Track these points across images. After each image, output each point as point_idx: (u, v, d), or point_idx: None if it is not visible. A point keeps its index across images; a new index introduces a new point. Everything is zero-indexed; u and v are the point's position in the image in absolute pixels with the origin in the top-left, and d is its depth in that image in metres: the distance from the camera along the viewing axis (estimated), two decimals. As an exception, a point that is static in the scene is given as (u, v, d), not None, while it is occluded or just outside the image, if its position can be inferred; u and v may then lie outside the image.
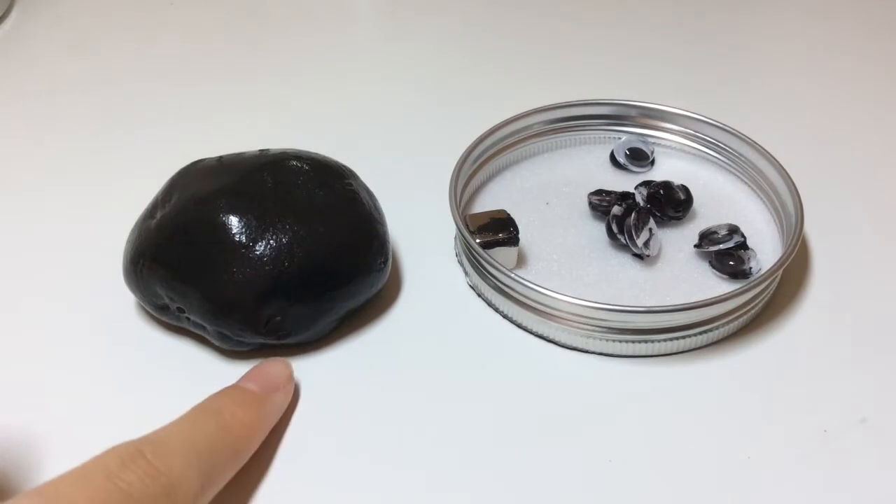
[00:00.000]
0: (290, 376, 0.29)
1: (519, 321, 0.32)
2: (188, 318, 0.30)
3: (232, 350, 0.31)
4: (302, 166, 0.32)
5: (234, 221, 0.30)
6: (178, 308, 0.30)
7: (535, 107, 0.38)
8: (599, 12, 0.52)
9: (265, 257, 0.29)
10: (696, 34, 0.50)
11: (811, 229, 0.35)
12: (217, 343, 0.30)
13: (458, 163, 0.35)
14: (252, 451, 0.27)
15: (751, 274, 0.33)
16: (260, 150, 0.34)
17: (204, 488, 0.24)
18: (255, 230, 0.30)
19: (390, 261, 0.32)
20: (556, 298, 0.30)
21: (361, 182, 0.33)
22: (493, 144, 0.37)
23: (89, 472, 0.22)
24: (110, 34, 0.50)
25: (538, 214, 0.36)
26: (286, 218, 0.30)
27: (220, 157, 0.33)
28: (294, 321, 0.30)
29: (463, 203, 0.35)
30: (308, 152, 0.33)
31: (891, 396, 0.29)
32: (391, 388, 0.30)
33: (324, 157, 0.34)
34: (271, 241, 0.30)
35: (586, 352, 0.31)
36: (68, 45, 0.49)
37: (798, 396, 0.29)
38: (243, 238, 0.30)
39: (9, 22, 0.51)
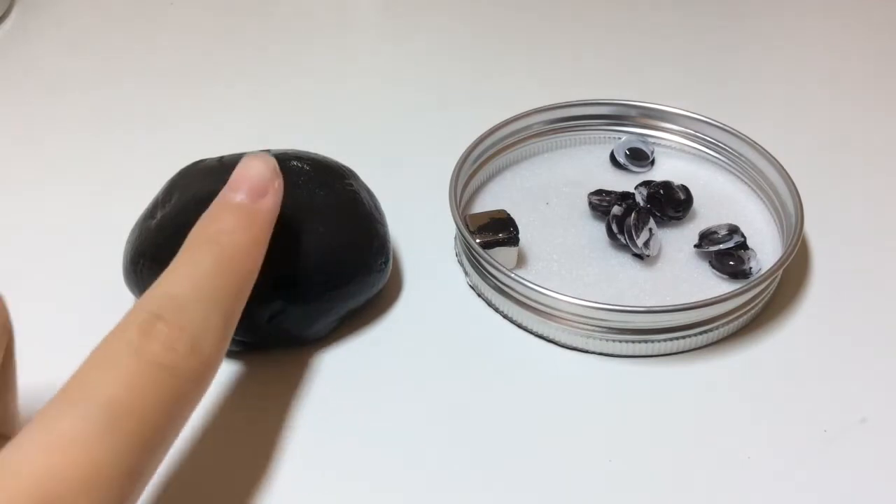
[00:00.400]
0: (275, 171, 0.27)
1: (519, 321, 0.32)
2: None
3: (230, 350, 0.31)
4: (302, 166, 0.32)
5: None
6: None
7: (535, 107, 0.38)
8: (600, 13, 0.52)
9: (265, 257, 0.29)
10: (696, 34, 0.50)
11: (811, 229, 0.35)
12: None
13: (458, 163, 0.34)
14: (258, 270, 0.26)
15: (751, 274, 0.33)
16: (261, 151, 0.34)
17: (226, 326, 0.23)
18: None
19: (391, 261, 0.32)
20: (556, 298, 0.30)
21: (362, 182, 0.33)
22: (493, 144, 0.37)
23: (113, 353, 0.21)
24: (110, 34, 0.50)
25: (538, 214, 0.36)
26: (286, 218, 0.30)
27: (221, 158, 0.33)
28: (294, 321, 0.30)
29: (463, 203, 0.35)
30: (308, 153, 0.33)
31: (891, 396, 0.29)
32: (391, 388, 0.30)
33: (324, 157, 0.34)
34: (271, 241, 0.30)
35: (586, 352, 0.31)
36: (68, 45, 0.49)
37: (798, 396, 0.29)
38: None
39: (9, 22, 0.51)
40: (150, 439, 0.20)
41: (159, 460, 0.21)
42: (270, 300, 0.29)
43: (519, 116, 0.38)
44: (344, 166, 0.33)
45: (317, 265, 0.30)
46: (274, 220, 0.27)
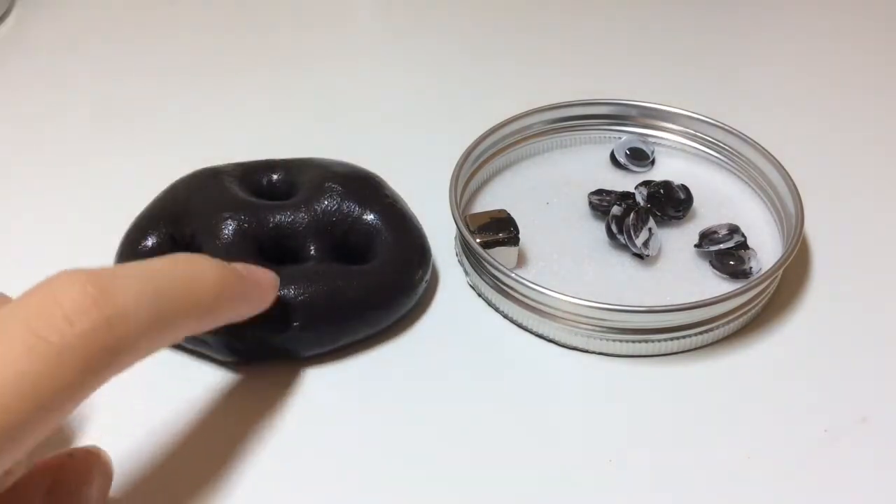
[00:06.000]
0: (276, 285, 0.28)
1: (519, 321, 0.32)
2: None
3: (237, 361, 0.30)
4: (335, 187, 0.32)
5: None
6: None
7: (535, 107, 0.38)
8: (600, 12, 0.52)
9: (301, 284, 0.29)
10: (696, 34, 0.50)
11: (811, 229, 0.35)
12: (221, 357, 0.30)
13: (458, 163, 0.34)
14: (220, 317, 0.24)
15: (751, 274, 0.33)
16: (280, 160, 0.34)
17: (152, 329, 0.21)
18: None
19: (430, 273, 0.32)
20: (556, 298, 0.30)
21: (391, 188, 0.33)
22: (494, 144, 0.37)
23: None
24: (110, 34, 0.50)
25: (538, 214, 0.36)
26: (323, 241, 0.30)
27: (240, 164, 0.33)
28: (323, 338, 0.30)
29: (463, 203, 0.35)
30: (330, 161, 0.33)
31: (891, 396, 0.29)
32: (391, 389, 0.30)
33: (351, 164, 0.34)
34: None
35: (586, 351, 0.31)
36: (69, 45, 0.49)
37: (798, 396, 0.29)
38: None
39: (9, 22, 0.51)
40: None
41: (27, 437, 0.19)
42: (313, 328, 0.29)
43: (519, 116, 0.38)
44: (373, 173, 0.33)
45: (360, 293, 0.30)
46: (250, 305, 0.26)
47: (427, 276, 0.32)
